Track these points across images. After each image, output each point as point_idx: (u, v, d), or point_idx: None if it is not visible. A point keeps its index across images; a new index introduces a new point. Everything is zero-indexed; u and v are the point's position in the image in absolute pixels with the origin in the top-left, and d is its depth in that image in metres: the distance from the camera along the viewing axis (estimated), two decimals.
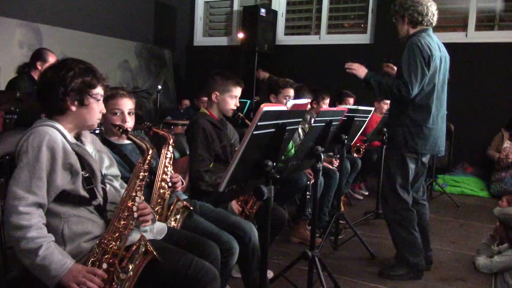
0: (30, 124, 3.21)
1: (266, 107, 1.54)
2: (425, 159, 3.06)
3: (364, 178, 5.36)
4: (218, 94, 2.68)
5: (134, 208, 1.69)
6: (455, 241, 3.89)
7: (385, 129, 4.15)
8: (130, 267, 1.60)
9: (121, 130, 1.96)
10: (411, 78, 2.76)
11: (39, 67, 4.17)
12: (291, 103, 2.30)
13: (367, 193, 5.40)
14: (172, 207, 2.18)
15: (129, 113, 2.15)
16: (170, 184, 2.18)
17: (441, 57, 2.91)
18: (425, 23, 2.91)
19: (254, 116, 1.53)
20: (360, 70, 2.99)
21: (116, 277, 1.57)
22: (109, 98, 2.12)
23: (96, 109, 1.76)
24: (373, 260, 3.36)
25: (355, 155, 4.74)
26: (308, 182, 3.45)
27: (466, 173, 5.94)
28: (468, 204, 5.23)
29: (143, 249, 1.62)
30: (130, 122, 2.15)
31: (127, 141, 2.20)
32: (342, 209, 3.92)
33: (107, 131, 2.19)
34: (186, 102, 6.68)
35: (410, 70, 2.77)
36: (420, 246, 3.03)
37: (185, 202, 2.19)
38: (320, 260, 2.59)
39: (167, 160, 2.20)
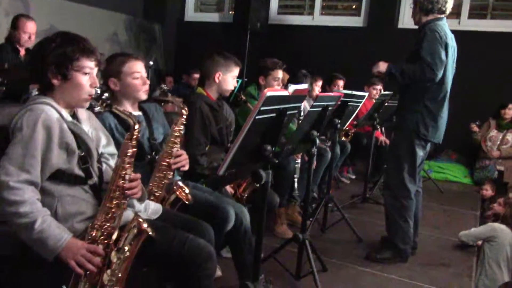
0: (19, 96, 3.14)
1: (269, 92, 1.53)
2: (429, 148, 3.09)
3: (352, 162, 5.40)
4: (221, 74, 2.64)
5: (126, 185, 1.64)
6: (439, 227, 3.97)
7: (376, 114, 4.20)
8: (126, 248, 1.59)
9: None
10: (435, 60, 2.73)
11: (13, 35, 4.03)
12: (292, 88, 2.29)
13: (354, 177, 5.46)
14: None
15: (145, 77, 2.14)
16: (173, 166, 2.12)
17: (453, 47, 2.92)
18: (436, 11, 2.87)
19: (257, 101, 1.52)
20: (381, 65, 2.95)
21: (113, 258, 1.56)
22: (124, 63, 2.09)
23: (84, 83, 1.66)
24: (360, 243, 3.42)
25: (343, 138, 4.76)
26: (296, 165, 3.47)
27: (450, 160, 6.04)
28: (451, 191, 5.33)
29: (137, 229, 1.60)
30: (148, 85, 2.14)
31: (136, 113, 2.17)
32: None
33: (120, 99, 2.15)
34: (170, 80, 6.58)
35: (433, 52, 2.74)
36: (411, 234, 3.09)
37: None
38: (310, 243, 2.62)
39: (176, 138, 2.12)
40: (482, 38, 5.73)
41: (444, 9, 2.89)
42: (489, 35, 5.74)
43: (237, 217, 2.29)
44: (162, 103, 4.75)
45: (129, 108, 2.17)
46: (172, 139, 2.12)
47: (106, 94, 1.78)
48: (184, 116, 2.15)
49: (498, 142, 5.51)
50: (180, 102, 2.19)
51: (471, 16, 5.99)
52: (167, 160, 2.11)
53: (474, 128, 5.60)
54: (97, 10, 5.98)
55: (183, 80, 6.50)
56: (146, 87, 2.15)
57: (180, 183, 2.12)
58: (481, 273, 3.28)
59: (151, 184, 2.09)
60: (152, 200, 2.06)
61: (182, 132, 2.15)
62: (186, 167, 2.18)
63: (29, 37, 4.00)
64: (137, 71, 2.12)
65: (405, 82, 2.86)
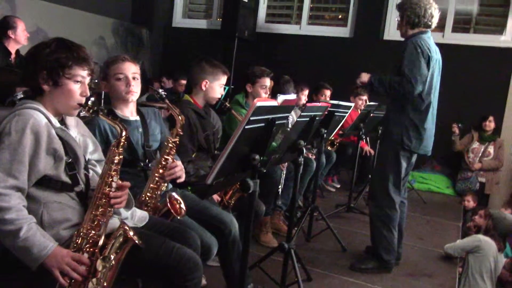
0: (5, 98, 3.09)
1: (259, 102, 1.54)
2: (414, 159, 3.12)
3: (337, 171, 5.44)
4: (208, 82, 2.64)
5: (112, 194, 1.63)
6: (422, 237, 4.01)
7: (361, 125, 4.24)
8: (112, 256, 1.57)
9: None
10: (414, 74, 2.76)
11: (12, 36, 4.05)
12: (281, 98, 2.30)
13: (339, 186, 5.49)
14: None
15: (133, 78, 2.09)
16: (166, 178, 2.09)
17: (437, 59, 2.96)
18: (422, 25, 2.92)
19: (247, 111, 1.52)
20: (364, 76, 3.01)
21: (98, 267, 1.54)
22: (110, 65, 2.08)
23: (75, 91, 1.65)
24: (344, 253, 3.43)
25: (329, 148, 4.80)
26: (282, 175, 3.47)
27: (434, 171, 6.11)
28: (434, 201, 5.39)
29: (123, 237, 1.59)
30: (135, 87, 2.09)
31: (134, 118, 2.15)
32: None
33: (114, 102, 2.13)
34: (157, 85, 6.55)
35: (412, 67, 2.78)
36: (395, 245, 3.11)
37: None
38: (295, 252, 2.62)
39: (171, 150, 2.07)
40: (465, 51, 5.85)
41: (430, 23, 2.94)
42: (471, 48, 5.85)
43: (227, 226, 2.28)
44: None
45: (126, 112, 2.15)
46: (167, 150, 2.08)
47: (92, 99, 1.76)
48: (180, 128, 2.10)
49: (480, 154, 5.60)
50: (177, 110, 2.13)
51: (454, 29, 6.11)
52: (161, 171, 2.07)
53: (455, 128, 5.68)
54: (84, 13, 5.93)
55: (163, 84, 6.47)
56: (131, 88, 2.08)
57: (176, 196, 2.07)
58: (464, 284, 3.32)
59: (143, 195, 2.06)
60: (145, 210, 2.03)
61: (177, 143, 2.10)
62: (182, 178, 2.14)
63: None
64: (120, 72, 2.07)
65: (385, 93, 2.91)
